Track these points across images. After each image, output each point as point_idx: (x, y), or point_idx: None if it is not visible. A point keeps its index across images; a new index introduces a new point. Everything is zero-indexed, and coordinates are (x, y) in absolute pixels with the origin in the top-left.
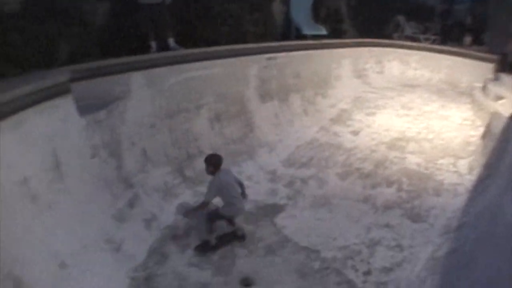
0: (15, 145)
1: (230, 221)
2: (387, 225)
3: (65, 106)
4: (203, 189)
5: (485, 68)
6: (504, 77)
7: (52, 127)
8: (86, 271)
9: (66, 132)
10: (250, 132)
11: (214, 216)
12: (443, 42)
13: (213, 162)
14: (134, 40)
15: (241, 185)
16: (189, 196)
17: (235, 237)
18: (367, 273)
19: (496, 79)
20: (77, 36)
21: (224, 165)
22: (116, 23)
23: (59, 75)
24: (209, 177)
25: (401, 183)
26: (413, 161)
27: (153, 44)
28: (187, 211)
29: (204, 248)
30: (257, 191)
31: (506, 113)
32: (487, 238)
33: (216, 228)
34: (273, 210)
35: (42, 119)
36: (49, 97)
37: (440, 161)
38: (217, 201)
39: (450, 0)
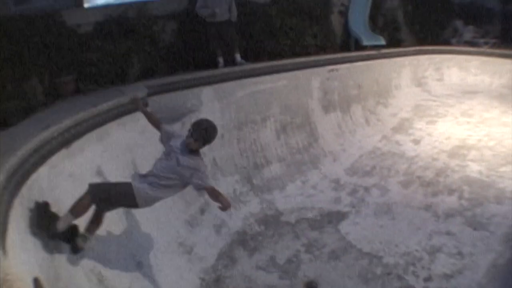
0: (99, 156)
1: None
2: (448, 233)
3: (143, 119)
4: (270, 196)
5: None
6: None
7: (132, 139)
8: (160, 271)
9: (144, 144)
10: (314, 142)
11: None
12: (504, 45)
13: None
14: (201, 56)
15: None
16: (256, 204)
17: None
18: (428, 279)
19: None
20: (147, 54)
21: (289, 174)
22: (184, 41)
23: (137, 91)
24: None
25: (462, 191)
26: (474, 169)
27: (221, 59)
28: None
29: None
30: (321, 199)
31: None
32: None
33: None
34: (337, 217)
35: (124, 131)
36: (130, 111)
37: (502, 168)
38: None
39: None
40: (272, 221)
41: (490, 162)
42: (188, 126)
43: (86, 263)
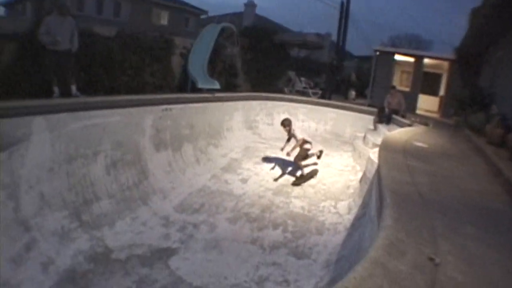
0: None
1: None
2: (274, 263)
3: None
4: (100, 233)
5: (367, 120)
6: (381, 127)
7: None
8: None
9: None
10: (144, 179)
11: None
12: (329, 96)
13: (288, 123)
14: (37, 83)
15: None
16: (86, 240)
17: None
18: None
19: (375, 129)
20: None
21: (119, 210)
22: (22, 65)
23: None
24: None
25: (286, 225)
26: (297, 204)
27: (56, 89)
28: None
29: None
30: (151, 236)
31: (376, 159)
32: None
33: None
34: (167, 253)
35: None
36: None
37: (322, 203)
38: None
39: (341, 58)
40: (102, 258)
41: (312, 198)
42: (16, 156)
43: None
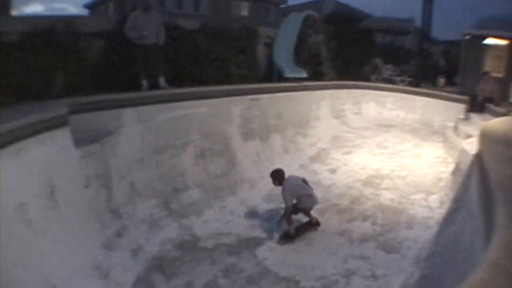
0: (14, 172)
1: (307, 212)
2: (362, 257)
3: (62, 137)
4: (188, 222)
5: (457, 108)
6: (474, 116)
7: (49, 157)
8: None
9: (62, 162)
10: (232, 168)
11: (294, 210)
12: (418, 83)
13: (277, 176)
14: (125, 77)
15: (305, 180)
16: (174, 229)
17: (311, 225)
18: None
19: (466, 118)
20: (72, 70)
21: (207, 199)
22: (109, 60)
23: (58, 108)
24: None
25: (375, 218)
26: (387, 196)
27: (145, 82)
28: (280, 220)
29: (286, 238)
30: (239, 225)
31: (472, 151)
32: (451, 264)
33: (293, 221)
34: (254, 243)
35: (41, 149)
36: (49, 128)
37: (413, 196)
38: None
39: (427, 43)
40: (189, 247)
41: (402, 190)
42: (107, 147)
43: None
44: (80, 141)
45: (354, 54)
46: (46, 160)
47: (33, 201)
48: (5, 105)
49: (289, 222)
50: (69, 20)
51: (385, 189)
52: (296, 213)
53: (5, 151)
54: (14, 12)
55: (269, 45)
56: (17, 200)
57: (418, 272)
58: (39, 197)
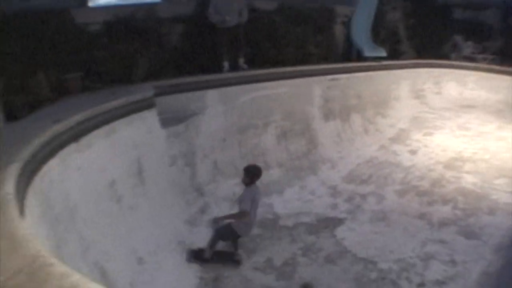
0: (106, 151)
1: (235, 242)
2: (441, 241)
3: (150, 118)
4: (269, 200)
5: None
6: None
7: (138, 137)
8: (160, 268)
9: (150, 142)
10: (313, 148)
11: (224, 232)
12: (502, 61)
13: (254, 174)
14: (206, 59)
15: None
16: None
17: (231, 260)
18: (421, 285)
19: None
20: (154, 55)
21: (288, 179)
22: (190, 44)
23: (145, 91)
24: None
25: (456, 202)
26: (469, 180)
27: (226, 64)
28: (219, 217)
29: (196, 256)
30: (318, 205)
31: None
32: None
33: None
34: (333, 222)
35: (131, 129)
36: (137, 110)
37: (496, 181)
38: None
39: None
40: (270, 224)
41: (485, 174)
42: (192, 128)
43: (89, 257)
44: (166, 122)
45: (433, 31)
46: (134, 140)
47: (122, 179)
48: (94, 89)
49: (212, 243)
50: (149, 7)
51: (467, 172)
52: (224, 235)
53: (98, 132)
54: (91, 3)
55: (347, 24)
56: (108, 177)
57: (500, 260)
58: (128, 175)
